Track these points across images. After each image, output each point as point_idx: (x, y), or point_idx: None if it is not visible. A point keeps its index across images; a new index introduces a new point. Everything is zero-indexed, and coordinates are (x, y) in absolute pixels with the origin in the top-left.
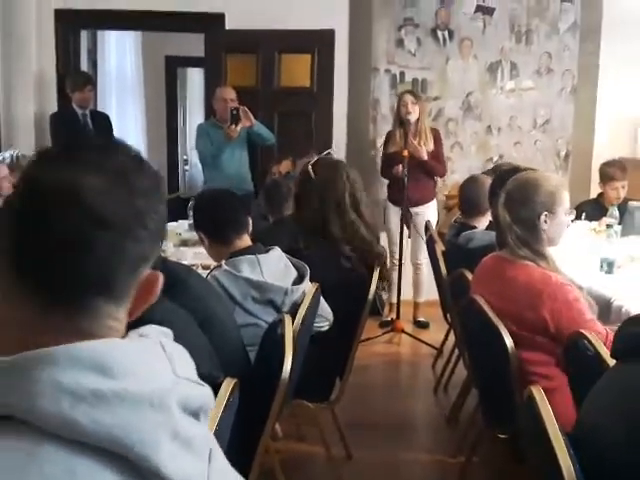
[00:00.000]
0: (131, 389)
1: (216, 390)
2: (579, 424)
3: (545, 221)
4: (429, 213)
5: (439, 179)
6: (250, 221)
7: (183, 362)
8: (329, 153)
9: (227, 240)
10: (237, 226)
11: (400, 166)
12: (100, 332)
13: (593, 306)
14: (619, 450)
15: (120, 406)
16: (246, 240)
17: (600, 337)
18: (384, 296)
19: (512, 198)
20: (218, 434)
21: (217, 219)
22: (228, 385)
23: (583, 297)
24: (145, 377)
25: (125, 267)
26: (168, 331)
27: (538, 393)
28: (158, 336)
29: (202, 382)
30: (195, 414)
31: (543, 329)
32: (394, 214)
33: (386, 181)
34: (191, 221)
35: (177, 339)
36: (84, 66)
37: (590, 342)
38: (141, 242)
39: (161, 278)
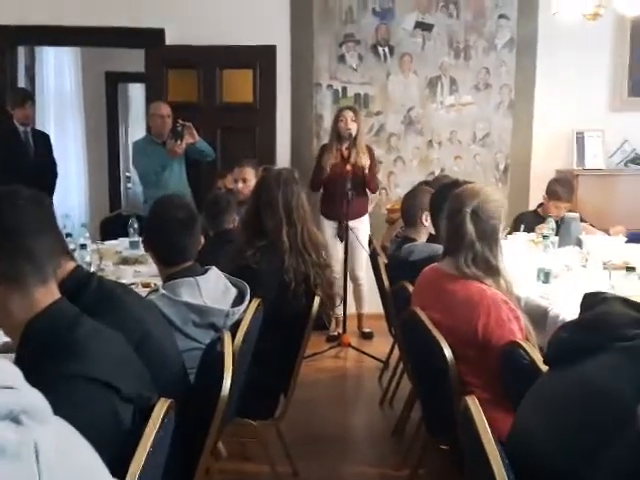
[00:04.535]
0: None
1: (150, 411)
2: (513, 432)
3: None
4: (363, 227)
5: (375, 194)
6: (202, 240)
7: None
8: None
9: (174, 264)
10: (188, 254)
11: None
12: None
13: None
14: (549, 457)
15: None
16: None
17: None
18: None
19: (478, 214)
20: (153, 455)
21: (170, 246)
22: (162, 405)
23: (521, 317)
24: None
25: None
26: None
27: (473, 403)
28: None
29: (14, 386)
30: (13, 419)
31: (473, 340)
32: (329, 228)
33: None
34: (132, 239)
35: (100, 359)
36: (22, 83)
37: (525, 351)
38: None
39: None
